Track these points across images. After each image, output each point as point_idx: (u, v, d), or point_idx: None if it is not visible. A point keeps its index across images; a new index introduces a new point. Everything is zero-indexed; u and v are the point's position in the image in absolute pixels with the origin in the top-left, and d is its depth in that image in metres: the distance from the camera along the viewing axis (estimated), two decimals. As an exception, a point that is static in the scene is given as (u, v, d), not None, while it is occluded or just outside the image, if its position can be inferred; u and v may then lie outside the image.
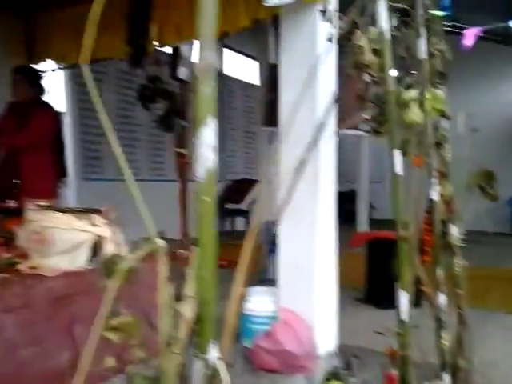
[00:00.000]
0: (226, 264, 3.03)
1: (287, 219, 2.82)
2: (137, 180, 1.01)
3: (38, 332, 2.16)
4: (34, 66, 4.31)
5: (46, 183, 3.71)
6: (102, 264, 1.00)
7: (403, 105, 1.54)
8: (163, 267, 0.99)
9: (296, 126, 2.89)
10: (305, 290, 2.81)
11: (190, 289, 0.96)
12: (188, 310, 0.96)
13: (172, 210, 4.39)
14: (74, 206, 2.64)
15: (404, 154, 1.45)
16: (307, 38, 2.93)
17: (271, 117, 3.38)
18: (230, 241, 3.87)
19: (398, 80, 1.57)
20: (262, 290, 3.04)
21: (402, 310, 1.34)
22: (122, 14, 3.70)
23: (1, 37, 4.44)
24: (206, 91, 0.99)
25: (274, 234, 3.16)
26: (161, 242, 1.00)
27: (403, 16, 1.68)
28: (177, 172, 4.50)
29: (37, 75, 3.71)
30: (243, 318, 2.88)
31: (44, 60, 4.42)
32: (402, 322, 1.36)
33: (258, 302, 2.91)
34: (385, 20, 1.42)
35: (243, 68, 9.82)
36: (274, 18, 3.25)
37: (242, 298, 1.20)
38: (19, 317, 2.09)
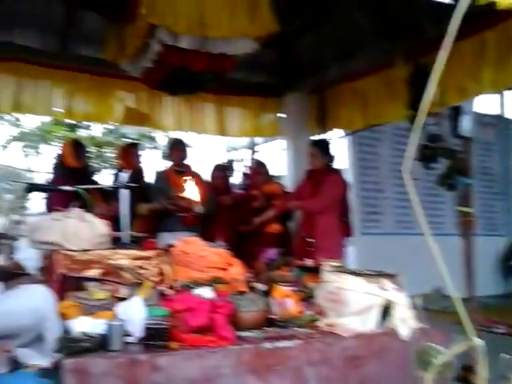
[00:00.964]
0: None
1: None
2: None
3: (334, 388, 2.34)
4: (324, 136, 4.90)
5: (335, 242, 4.06)
6: (417, 354, 1.06)
7: None
8: (482, 368, 0.98)
9: None
10: None
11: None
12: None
13: (449, 265, 4.17)
14: (365, 269, 2.79)
15: None
16: None
17: None
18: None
19: None
20: None
21: None
22: (403, 83, 3.87)
23: (299, 113, 5.20)
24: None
25: None
26: (478, 340, 1.00)
27: None
28: (460, 229, 4.29)
29: (327, 146, 4.18)
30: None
31: (332, 129, 4.97)
32: None
33: None
34: None
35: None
36: None
37: None
38: (319, 372, 2.31)
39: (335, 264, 3.08)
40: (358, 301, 2.58)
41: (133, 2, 2.80)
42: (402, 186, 5.23)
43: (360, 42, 3.52)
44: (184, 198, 3.98)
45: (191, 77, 3.17)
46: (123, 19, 3.01)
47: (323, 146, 4.16)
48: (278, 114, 5.41)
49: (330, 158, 4.13)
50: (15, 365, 1.88)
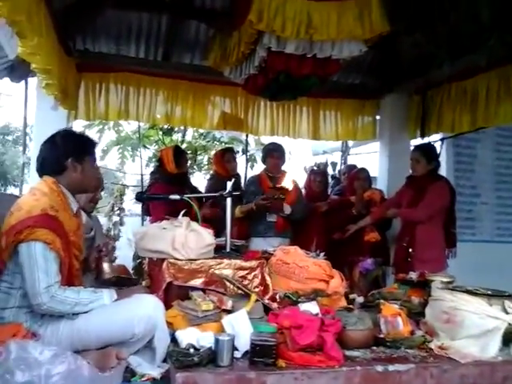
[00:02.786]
0: None
1: None
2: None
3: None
4: (423, 139, 4.62)
5: (437, 254, 3.79)
6: None
7: None
8: None
9: None
10: None
11: None
12: None
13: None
14: (484, 288, 2.56)
15: None
16: None
17: None
18: None
19: None
20: None
21: None
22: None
23: (397, 116, 4.98)
24: None
25: None
26: None
27: None
28: None
29: (433, 151, 3.92)
30: None
31: (436, 132, 4.67)
32: None
33: None
34: None
35: None
36: None
37: None
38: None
39: (446, 280, 2.86)
40: (477, 323, 2.35)
41: (241, 11, 2.78)
42: (503, 190, 4.80)
43: (478, 38, 3.26)
44: (275, 190, 3.90)
45: (294, 82, 3.10)
46: (229, 27, 3.01)
47: (428, 151, 3.90)
48: (375, 117, 5.21)
49: (436, 165, 3.86)
50: (129, 373, 1.91)
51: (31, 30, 2.46)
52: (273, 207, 3.95)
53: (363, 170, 4.60)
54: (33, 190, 2.09)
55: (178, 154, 4.02)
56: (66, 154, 2.14)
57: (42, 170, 2.18)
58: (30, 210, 1.95)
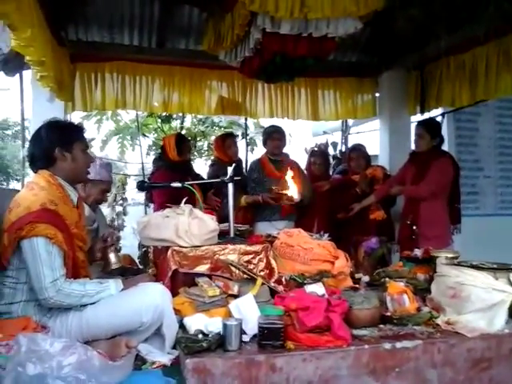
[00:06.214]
0: None
1: None
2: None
3: (460, 392, 2.17)
4: (424, 114, 4.57)
5: (442, 231, 3.77)
6: None
7: None
8: None
9: None
10: None
11: None
12: None
13: None
14: (490, 262, 2.55)
15: None
16: None
17: None
18: None
19: None
20: None
21: None
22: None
23: (396, 92, 4.93)
24: None
25: None
26: None
27: None
28: None
29: (437, 128, 3.87)
30: None
31: (436, 107, 4.62)
32: None
33: None
34: None
35: None
36: None
37: None
38: (442, 374, 2.15)
39: (450, 255, 2.86)
40: (483, 297, 2.36)
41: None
42: (505, 162, 4.78)
43: (475, 8, 3.19)
44: (284, 194, 3.88)
45: (290, 63, 3.05)
46: (222, 10, 2.95)
47: (432, 126, 3.84)
48: (374, 94, 5.16)
49: (440, 141, 3.83)
50: (140, 361, 1.92)
51: (22, 21, 2.42)
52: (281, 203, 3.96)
53: (355, 149, 4.55)
54: (30, 185, 2.08)
55: (181, 141, 3.98)
56: (53, 145, 2.12)
57: (34, 165, 2.17)
58: (29, 206, 1.94)
